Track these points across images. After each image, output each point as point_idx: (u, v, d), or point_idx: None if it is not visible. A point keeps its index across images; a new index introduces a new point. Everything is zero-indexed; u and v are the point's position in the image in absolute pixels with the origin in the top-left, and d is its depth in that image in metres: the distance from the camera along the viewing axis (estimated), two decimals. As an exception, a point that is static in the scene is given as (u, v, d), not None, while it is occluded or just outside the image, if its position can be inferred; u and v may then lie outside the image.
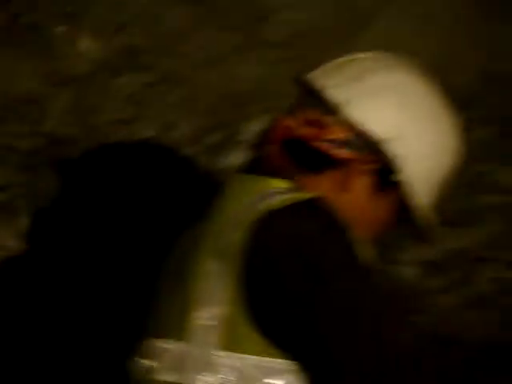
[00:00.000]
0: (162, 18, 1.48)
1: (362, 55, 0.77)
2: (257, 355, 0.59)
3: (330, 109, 0.70)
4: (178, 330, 0.64)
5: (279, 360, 0.59)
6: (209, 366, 0.60)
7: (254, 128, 1.49)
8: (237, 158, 1.50)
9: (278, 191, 0.65)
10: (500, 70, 1.56)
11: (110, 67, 1.47)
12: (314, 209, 0.62)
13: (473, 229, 1.61)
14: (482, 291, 1.63)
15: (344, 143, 0.69)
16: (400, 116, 0.71)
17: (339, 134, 0.69)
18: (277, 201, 0.62)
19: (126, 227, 1.47)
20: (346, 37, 1.48)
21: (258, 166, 0.74)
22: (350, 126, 0.69)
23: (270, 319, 0.59)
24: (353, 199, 0.71)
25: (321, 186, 0.69)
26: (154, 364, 0.67)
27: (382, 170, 0.70)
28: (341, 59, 0.77)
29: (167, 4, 1.48)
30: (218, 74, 1.49)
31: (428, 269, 1.62)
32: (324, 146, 0.69)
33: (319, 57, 0.81)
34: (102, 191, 1.48)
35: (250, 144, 1.47)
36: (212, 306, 0.61)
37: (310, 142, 0.70)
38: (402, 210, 0.73)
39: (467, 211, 1.57)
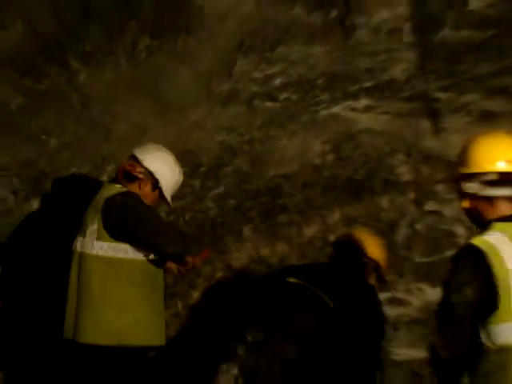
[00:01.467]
0: None
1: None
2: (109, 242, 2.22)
3: (139, 161, 2.25)
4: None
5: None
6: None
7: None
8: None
9: (116, 189, 2.23)
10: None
11: None
12: (125, 193, 2.22)
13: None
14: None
15: (142, 172, 2.23)
16: (162, 165, 2.28)
17: (141, 169, 2.25)
18: (114, 191, 2.22)
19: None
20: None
21: (114, 180, 2.31)
22: (143, 167, 2.26)
23: (114, 230, 2.19)
24: (143, 192, 2.24)
25: (133, 188, 2.23)
26: None
27: (155, 183, 2.27)
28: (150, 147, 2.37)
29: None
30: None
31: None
32: (134, 171, 2.23)
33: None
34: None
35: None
36: (92, 226, 2.23)
37: (129, 172, 2.24)
38: (161, 196, 2.29)
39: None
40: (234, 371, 2.56)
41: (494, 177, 1.68)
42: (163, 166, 2.37)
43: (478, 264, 1.54)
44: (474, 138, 1.78)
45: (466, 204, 1.67)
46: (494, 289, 1.53)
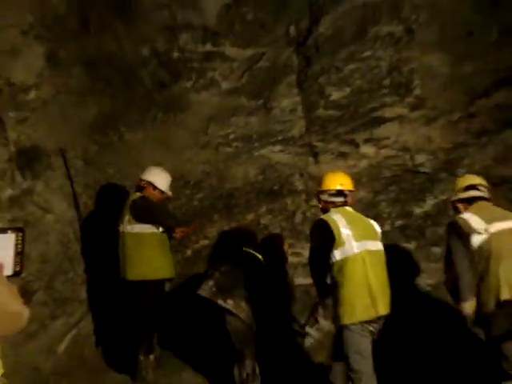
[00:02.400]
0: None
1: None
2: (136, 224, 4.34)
3: (142, 178, 4.46)
4: None
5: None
6: None
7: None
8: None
9: (136, 195, 4.34)
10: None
11: None
12: (140, 197, 4.33)
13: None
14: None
15: (145, 182, 4.43)
16: (154, 175, 4.44)
17: (143, 181, 4.45)
18: (135, 197, 4.31)
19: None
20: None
21: (136, 190, 4.43)
22: (143, 180, 4.47)
23: (137, 217, 4.27)
24: (149, 193, 4.37)
25: (144, 193, 4.36)
26: None
27: (154, 186, 4.38)
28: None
29: None
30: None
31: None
32: (140, 184, 4.42)
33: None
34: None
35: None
36: (126, 217, 4.32)
37: (139, 184, 4.48)
38: (161, 192, 4.46)
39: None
40: (211, 283, 4.56)
41: (334, 192, 3.91)
42: (155, 175, 4.42)
43: (324, 225, 3.59)
44: (326, 173, 4.01)
45: (321, 205, 3.83)
46: (332, 234, 3.54)
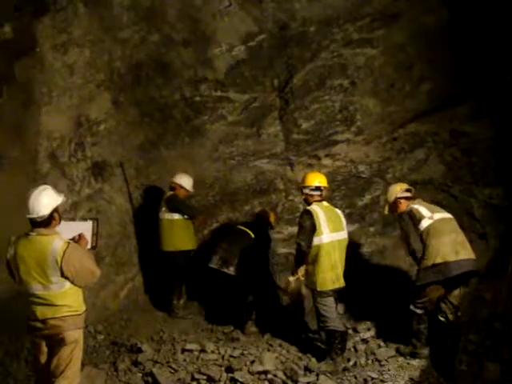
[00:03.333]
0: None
1: None
2: (169, 213, 6.58)
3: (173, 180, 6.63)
4: None
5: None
6: None
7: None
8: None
9: (170, 193, 6.44)
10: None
11: None
12: (172, 194, 6.45)
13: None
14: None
15: (176, 184, 6.65)
16: (183, 179, 6.66)
17: (175, 183, 6.67)
18: (169, 194, 6.43)
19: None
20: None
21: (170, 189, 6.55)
22: (175, 182, 6.62)
23: (170, 209, 6.47)
24: (178, 192, 6.51)
25: (176, 192, 6.53)
26: None
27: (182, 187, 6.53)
28: None
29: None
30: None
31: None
32: (172, 185, 6.67)
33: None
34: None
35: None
36: (163, 208, 6.57)
37: (171, 185, 6.70)
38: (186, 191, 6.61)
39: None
40: (217, 257, 6.07)
41: (313, 187, 5.19)
42: (182, 178, 6.48)
43: (309, 214, 5.04)
44: (308, 173, 5.75)
45: (304, 197, 5.28)
46: (314, 223, 5.02)
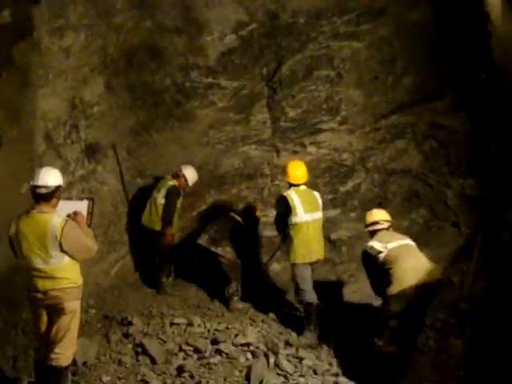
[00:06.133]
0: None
1: None
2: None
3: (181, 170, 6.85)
4: None
5: None
6: None
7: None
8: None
9: (171, 179, 6.66)
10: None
11: None
12: (175, 187, 6.58)
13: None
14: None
15: (181, 175, 6.89)
16: (189, 172, 6.88)
17: (181, 173, 6.97)
18: (172, 182, 6.58)
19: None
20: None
21: (172, 176, 6.72)
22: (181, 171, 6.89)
23: (169, 198, 6.68)
24: (180, 182, 6.73)
25: (177, 181, 6.76)
26: None
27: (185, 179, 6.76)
28: None
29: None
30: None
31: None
32: (177, 174, 6.93)
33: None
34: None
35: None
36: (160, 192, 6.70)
37: (176, 173, 6.91)
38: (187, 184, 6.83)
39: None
40: (207, 236, 6.55)
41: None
42: (190, 172, 6.76)
43: (284, 199, 5.66)
44: (289, 162, 6.17)
45: (288, 185, 5.88)
46: (289, 206, 5.62)
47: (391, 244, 4.83)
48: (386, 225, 5.15)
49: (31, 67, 5.90)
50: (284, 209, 5.69)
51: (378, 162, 7.09)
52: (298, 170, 5.86)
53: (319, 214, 5.81)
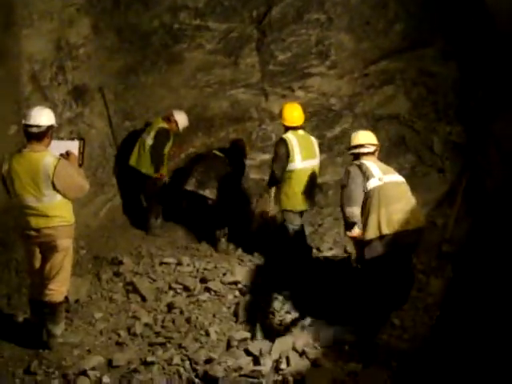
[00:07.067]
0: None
1: None
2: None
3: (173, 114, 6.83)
4: None
5: None
6: None
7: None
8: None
9: (162, 122, 6.66)
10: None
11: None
12: (165, 130, 6.61)
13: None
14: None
15: (173, 119, 6.94)
16: (180, 117, 6.87)
17: (173, 117, 6.96)
18: (162, 124, 6.61)
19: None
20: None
21: (163, 118, 6.78)
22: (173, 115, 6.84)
23: (157, 140, 6.74)
24: (171, 126, 6.78)
25: (168, 124, 6.77)
26: None
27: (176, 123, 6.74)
28: None
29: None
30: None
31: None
32: (170, 117, 6.90)
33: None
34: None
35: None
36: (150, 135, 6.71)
37: (168, 117, 6.90)
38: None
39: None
40: (193, 180, 6.74)
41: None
42: (182, 118, 6.72)
43: (284, 142, 5.37)
44: (284, 104, 5.99)
45: (283, 128, 5.59)
46: (288, 150, 5.36)
47: (387, 177, 4.23)
48: (372, 149, 4.47)
49: (15, 8, 5.76)
50: (284, 152, 5.35)
51: (365, 107, 7.15)
52: (294, 112, 5.52)
53: (316, 162, 5.57)
